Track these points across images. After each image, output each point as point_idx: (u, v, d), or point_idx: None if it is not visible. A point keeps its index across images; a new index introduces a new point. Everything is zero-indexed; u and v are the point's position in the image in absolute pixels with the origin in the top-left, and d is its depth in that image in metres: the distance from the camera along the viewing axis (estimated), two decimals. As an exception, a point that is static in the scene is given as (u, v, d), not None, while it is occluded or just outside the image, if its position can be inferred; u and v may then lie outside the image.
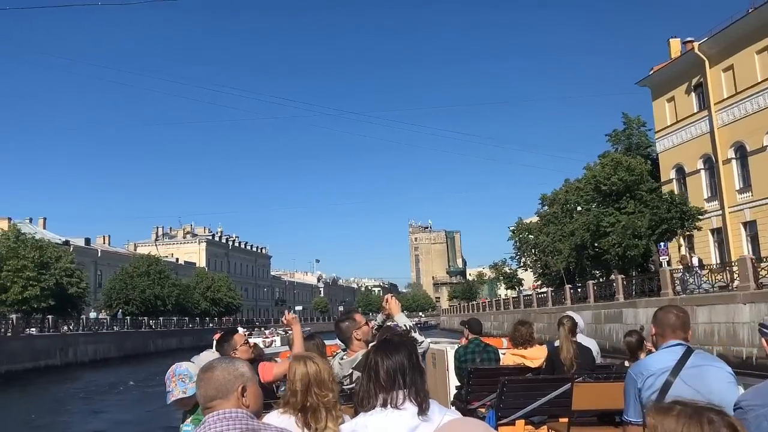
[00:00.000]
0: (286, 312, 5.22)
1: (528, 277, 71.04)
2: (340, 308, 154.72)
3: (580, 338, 6.09)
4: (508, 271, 62.45)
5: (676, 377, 2.91)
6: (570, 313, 6.27)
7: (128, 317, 50.42)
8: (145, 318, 54.32)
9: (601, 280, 51.84)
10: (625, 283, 31.10)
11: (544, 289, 60.65)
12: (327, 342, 5.67)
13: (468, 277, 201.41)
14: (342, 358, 4.19)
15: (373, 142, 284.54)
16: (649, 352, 5.11)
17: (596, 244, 52.18)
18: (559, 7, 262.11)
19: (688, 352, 3.01)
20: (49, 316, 36.82)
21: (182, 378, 3.24)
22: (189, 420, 3.18)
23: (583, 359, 5.73)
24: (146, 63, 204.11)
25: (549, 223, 58.70)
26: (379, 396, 2.21)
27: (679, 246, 38.96)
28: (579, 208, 45.54)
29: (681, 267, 28.65)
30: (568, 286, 49.31)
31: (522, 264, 66.22)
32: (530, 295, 60.69)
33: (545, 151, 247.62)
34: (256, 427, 1.98)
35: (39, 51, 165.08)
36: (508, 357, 6.78)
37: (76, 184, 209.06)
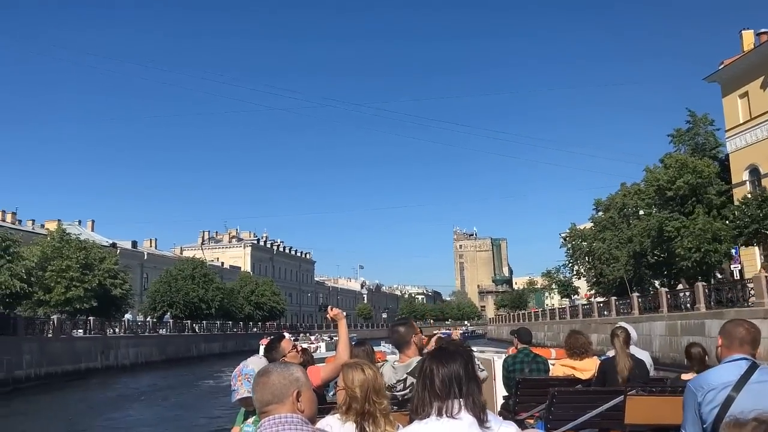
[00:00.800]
0: (329, 308, 4.70)
1: (582, 286, 68.24)
2: (384, 315, 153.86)
3: (633, 350, 5.97)
4: (563, 278, 59.45)
5: (738, 392, 2.79)
6: (623, 323, 6.16)
7: (170, 320, 49.78)
8: (188, 321, 53.66)
9: (661, 288, 49.11)
10: (706, 291, 27.91)
11: (601, 299, 57.97)
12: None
13: (515, 286, 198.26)
14: (394, 364, 4.17)
15: (418, 147, 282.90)
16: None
17: (656, 251, 49.40)
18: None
19: (753, 367, 2.88)
20: (91, 318, 36.24)
21: (248, 378, 3.26)
22: (251, 420, 3.13)
23: (637, 371, 5.62)
24: (189, 62, 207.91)
25: (604, 229, 56.08)
26: (434, 404, 2.16)
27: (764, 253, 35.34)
28: (641, 212, 42.73)
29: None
30: (635, 294, 46.56)
31: (575, 272, 63.59)
32: (587, 304, 57.83)
33: (597, 152, 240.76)
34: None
35: (85, 53, 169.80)
36: (558, 368, 6.71)
37: (125, 189, 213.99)
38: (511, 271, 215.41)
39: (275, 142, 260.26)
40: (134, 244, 76.36)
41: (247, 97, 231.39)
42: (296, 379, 2.12)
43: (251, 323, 73.57)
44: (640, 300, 38.79)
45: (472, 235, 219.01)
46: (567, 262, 63.75)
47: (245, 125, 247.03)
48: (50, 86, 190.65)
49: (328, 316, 4.65)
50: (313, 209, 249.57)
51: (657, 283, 54.04)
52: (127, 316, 39.21)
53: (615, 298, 48.00)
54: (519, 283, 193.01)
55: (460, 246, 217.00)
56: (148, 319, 46.87)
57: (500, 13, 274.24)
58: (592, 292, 62.16)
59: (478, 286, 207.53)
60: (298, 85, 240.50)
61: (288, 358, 4.23)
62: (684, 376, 5.88)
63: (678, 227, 37.81)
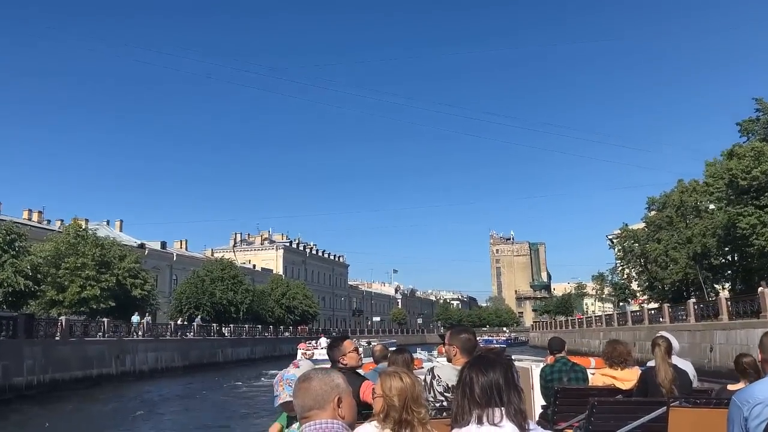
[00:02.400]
0: None
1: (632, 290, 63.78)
2: (419, 321, 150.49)
3: (675, 360, 5.79)
4: (619, 281, 55.00)
5: None
6: (664, 333, 6.05)
7: (196, 324, 46.98)
8: (214, 324, 50.91)
9: (722, 292, 44.80)
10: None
11: (654, 305, 53.76)
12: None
13: (553, 291, 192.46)
14: (454, 366, 4.07)
15: (452, 147, 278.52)
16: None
17: (722, 252, 44.99)
18: None
19: None
20: (105, 320, 33.60)
21: (290, 383, 3.35)
22: (295, 426, 2.87)
23: (680, 382, 5.54)
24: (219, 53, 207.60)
25: (659, 229, 51.70)
26: (474, 412, 2.17)
27: None
28: (712, 206, 38.41)
29: None
30: (691, 301, 42.30)
31: (625, 276, 59.19)
32: (638, 311, 53.46)
33: (642, 149, 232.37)
34: None
35: (123, 44, 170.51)
36: (598, 377, 6.57)
37: (157, 189, 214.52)
38: (549, 277, 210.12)
39: (310, 146, 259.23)
40: (163, 245, 74.41)
41: (284, 96, 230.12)
42: (337, 386, 2.16)
43: (282, 327, 70.62)
44: (696, 307, 36.04)
45: (510, 239, 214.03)
46: (617, 266, 59.60)
47: (279, 127, 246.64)
48: (82, 77, 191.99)
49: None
50: (347, 212, 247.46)
51: (722, 287, 49.64)
52: (134, 318, 36.26)
53: (668, 304, 44.06)
54: (558, 288, 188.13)
55: (497, 250, 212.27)
56: (170, 321, 44.09)
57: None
58: (645, 297, 57.84)
59: (516, 291, 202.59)
60: (337, 87, 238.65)
61: (348, 358, 4.37)
62: (730, 387, 5.62)
63: (753, 223, 33.62)
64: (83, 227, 37.76)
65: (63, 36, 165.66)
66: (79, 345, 29.52)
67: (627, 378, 6.14)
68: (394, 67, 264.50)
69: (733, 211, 35.47)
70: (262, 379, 33.74)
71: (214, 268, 59.94)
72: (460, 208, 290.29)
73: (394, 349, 6.09)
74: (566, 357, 7.03)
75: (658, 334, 5.86)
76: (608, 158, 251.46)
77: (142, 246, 68.23)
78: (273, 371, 31.69)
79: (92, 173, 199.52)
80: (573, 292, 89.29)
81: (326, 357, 4.66)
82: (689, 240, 47.33)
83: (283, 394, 3.43)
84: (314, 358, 22.63)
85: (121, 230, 70.70)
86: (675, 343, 5.90)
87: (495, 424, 2.11)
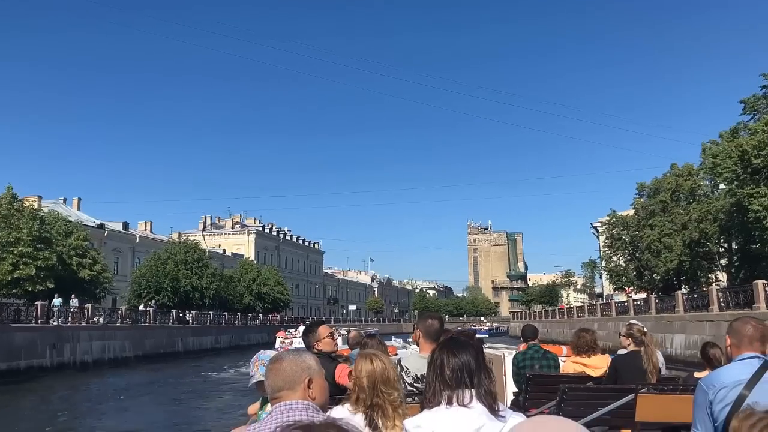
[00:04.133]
0: None
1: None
2: (396, 309, 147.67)
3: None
4: (616, 267, 52.03)
5: (750, 391, 2.72)
6: (634, 321, 6.13)
7: (151, 308, 42.65)
8: (174, 310, 46.68)
9: (720, 282, 42.33)
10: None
11: (641, 296, 51.26)
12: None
13: (529, 281, 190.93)
14: (422, 354, 4.09)
15: (431, 133, 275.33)
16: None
17: (724, 237, 42.43)
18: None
19: (765, 365, 2.84)
20: (38, 303, 29.24)
21: (265, 363, 3.34)
22: (268, 408, 2.91)
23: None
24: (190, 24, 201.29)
25: (651, 215, 48.87)
26: (444, 393, 2.18)
27: None
28: (722, 186, 35.37)
29: None
30: (680, 292, 39.75)
31: (612, 265, 56.35)
32: (624, 301, 50.80)
33: (626, 129, 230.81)
34: (321, 419, 1.96)
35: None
36: (569, 365, 6.67)
37: (121, 169, 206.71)
38: (526, 267, 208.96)
39: (284, 129, 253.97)
40: (125, 226, 69.73)
41: (259, 71, 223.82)
42: (308, 367, 2.14)
43: (251, 315, 66.52)
44: (685, 298, 34.90)
45: (487, 228, 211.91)
46: (605, 254, 56.77)
47: (253, 108, 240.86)
48: (36, 49, 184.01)
49: None
50: (322, 199, 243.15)
51: (715, 276, 47.13)
52: (55, 301, 31.48)
53: (654, 295, 41.72)
54: (533, 279, 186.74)
55: (474, 240, 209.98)
56: (120, 307, 39.62)
57: None
58: (631, 287, 55.19)
59: (493, 281, 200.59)
60: (315, 64, 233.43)
61: (323, 344, 4.43)
62: (697, 375, 5.68)
63: (767, 205, 30.74)
64: (18, 197, 33.14)
65: None
66: (3, 333, 25.29)
67: (597, 365, 6.25)
68: (377, 54, 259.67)
69: (743, 192, 32.50)
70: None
71: (178, 251, 55.78)
72: (437, 197, 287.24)
73: (366, 334, 5.94)
74: (538, 344, 7.09)
75: (628, 323, 5.97)
76: (589, 138, 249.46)
77: (101, 226, 63.71)
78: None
79: (49, 149, 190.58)
80: (560, 281, 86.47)
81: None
82: (684, 226, 44.67)
83: (258, 375, 3.44)
84: (293, 346, 19.70)
85: (79, 209, 65.88)
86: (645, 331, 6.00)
87: (465, 405, 2.13)
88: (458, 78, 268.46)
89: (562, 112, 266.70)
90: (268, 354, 3.29)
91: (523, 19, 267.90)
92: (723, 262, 46.28)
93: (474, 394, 2.14)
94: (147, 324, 39.29)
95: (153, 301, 49.06)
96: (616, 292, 58.35)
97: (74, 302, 31.81)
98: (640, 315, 40.43)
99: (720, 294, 30.75)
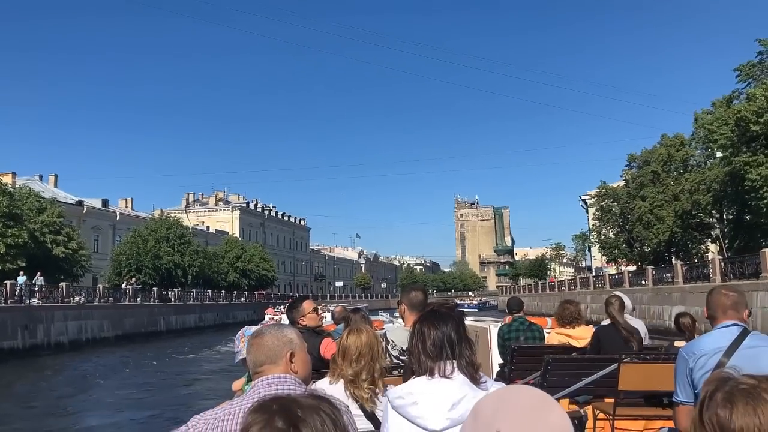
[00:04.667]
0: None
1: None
2: (383, 285, 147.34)
3: (628, 318, 5.89)
4: (609, 238, 51.30)
5: (729, 358, 2.83)
6: (617, 292, 6.17)
7: (130, 288, 41.26)
8: (155, 288, 45.35)
9: (711, 254, 41.79)
10: None
11: (632, 268, 50.81)
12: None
13: (516, 256, 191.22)
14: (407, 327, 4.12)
15: (416, 105, 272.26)
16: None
17: (716, 208, 41.87)
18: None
19: (744, 333, 2.93)
20: (7, 282, 27.80)
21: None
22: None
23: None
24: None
25: (641, 186, 48.14)
26: (426, 365, 2.20)
27: None
28: (719, 154, 34.50)
29: None
30: (679, 262, 39.21)
31: (602, 238, 55.62)
32: (617, 274, 50.22)
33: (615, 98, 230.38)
34: (304, 392, 1.96)
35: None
36: (553, 336, 6.75)
37: (101, 144, 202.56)
38: (513, 241, 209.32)
39: (268, 105, 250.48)
40: (105, 203, 67.95)
41: (243, 45, 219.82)
42: (290, 341, 2.13)
43: (236, 293, 65.30)
44: (684, 268, 34.24)
45: (474, 203, 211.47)
46: (594, 227, 56.04)
47: (236, 84, 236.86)
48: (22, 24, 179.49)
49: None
50: (309, 175, 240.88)
51: (706, 247, 46.65)
52: (20, 279, 29.84)
53: (651, 267, 41.23)
54: (520, 253, 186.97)
55: (462, 215, 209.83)
56: (100, 286, 38.24)
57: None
58: (623, 259, 54.57)
59: (480, 256, 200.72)
60: (299, 39, 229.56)
61: (307, 319, 4.41)
62: (677, 344, 5.82)
63: (766, 174, 29.93)
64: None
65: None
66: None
67: (581, 336, 6.32)
68: (363, 31, 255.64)
69: (739, 161, 31.64)
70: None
71: (159, 227, 54.30)
72: (425, 170, 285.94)
73: (351, 309, 5.94)
74: (524, 317, 7.25)
75: (612, 294, 5.99)
76: (577, 109, 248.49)
77: (79, 203, 61.96)
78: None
79: (27, 125, 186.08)
80: (550, 254, 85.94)
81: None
82: (676, 197, 44.00)
83: (244, 351, 3.39)
84: (282, 323, 18.37)
85: (56, 186, 63.97)
86: (628, 303, 6.02)
87: (446, 376, 2.15)
88: (443, 52, 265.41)
89: (551, 81, 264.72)
90: (254, 329, 3.33)
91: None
92: (715, 233, 45.78)
93: (455, 365, 2.16)
94: (127, 303, 37.93)
95: (134, 279, 47.71)
96: (609, 264, 57.73)
97: (39, 280, 30.35)
98: (635, 287, 39.96)
99: (722, 264, 30.14)
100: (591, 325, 6.56)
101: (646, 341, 6.30)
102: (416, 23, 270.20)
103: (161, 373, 23.36)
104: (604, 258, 53.87)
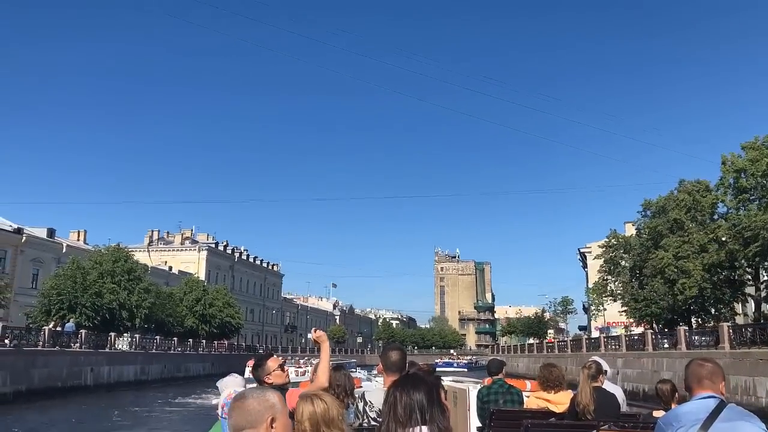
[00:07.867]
0: (313, 330, 4.74)
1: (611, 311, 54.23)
2: (359, 339, 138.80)
3: (606, 384, 5.95)
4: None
5: (707, 431, 2.76)
6: (595, 357, 6.05)
7: (45, 329, 33.07)
8: (83, 331, 37.21)
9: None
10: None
11: (638, 330, 44.89)
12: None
13: (495, 314, 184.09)
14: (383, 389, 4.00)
15: (398, 159, 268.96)
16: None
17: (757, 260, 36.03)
18: None
19: (720, 406, 2.87)
20: None
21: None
22: None
23: (607, 406, 5.51)
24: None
25: (659, 236, 42.37)
26: (398, 431, 2.21)
27: None
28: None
29: None
30: (683, 327, 33.28)
31: (609, 293, 49.46)
32: (636, 335, 43.62)
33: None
34: None
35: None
36: (532, 400, 6.61)
37: (57, 173, 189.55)
38: (493, 298, 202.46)
39: (244, 146, 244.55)
40: (51, 232, 60.16)
41: (224, 80, 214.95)
42: (272, 405, 2.11)
43: (192, 341, 56.98)
44: (687, 334, 32.37)
45: (455, 257, 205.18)
46: (598, 282, 49.93)
47: (212, 124, 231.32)
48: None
49: (311, 336, 4.54)
50: (283, 220, 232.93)
51: (732, 309, 40.57)
52: None
53: (651, 330, 35.61)
54: (499, 311, 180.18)
55: (442, 268, 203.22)
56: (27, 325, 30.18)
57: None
58: (631, 320, 48.48)
59: (459, 312, 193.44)
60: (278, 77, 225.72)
61: (273, 376, 4.23)
62: (656, 413, 5.84)
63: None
64: None
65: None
66: None
67: (560, 401, 6.17)
68: (336, 59, 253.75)
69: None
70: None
71: (105, 260, 46.77)
72: (405, 225, 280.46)
73: (333, 366, 5.39)
74: (503, 379, 7.05)
75: (590, 359, 5.90)
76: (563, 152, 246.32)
77: (18, 231, 54.30)
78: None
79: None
80: (554, 309, 79.44)
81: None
82: (703, 248, 38.10)
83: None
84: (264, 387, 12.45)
85: (-7, 211, 56.25)
86: (606, 368, 5.99)
87: None
88: (419, 92, 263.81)
89: (550, 108, 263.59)
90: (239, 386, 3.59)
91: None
92: (748, 291, 40.06)
93: (428, 430, 2.17)
94: (39, 348, 29.84)
95: (67, 319, 39.92)
96: (625, 323, 51.33)
97: None
98: (659, 351, 33.90)
99: (731, 331, 27.68)
100: (570, 390, 6.18)
101: (624, 408, 6.33)
102: (399, 73, 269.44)
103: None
104: (627, 317, 47.30)
